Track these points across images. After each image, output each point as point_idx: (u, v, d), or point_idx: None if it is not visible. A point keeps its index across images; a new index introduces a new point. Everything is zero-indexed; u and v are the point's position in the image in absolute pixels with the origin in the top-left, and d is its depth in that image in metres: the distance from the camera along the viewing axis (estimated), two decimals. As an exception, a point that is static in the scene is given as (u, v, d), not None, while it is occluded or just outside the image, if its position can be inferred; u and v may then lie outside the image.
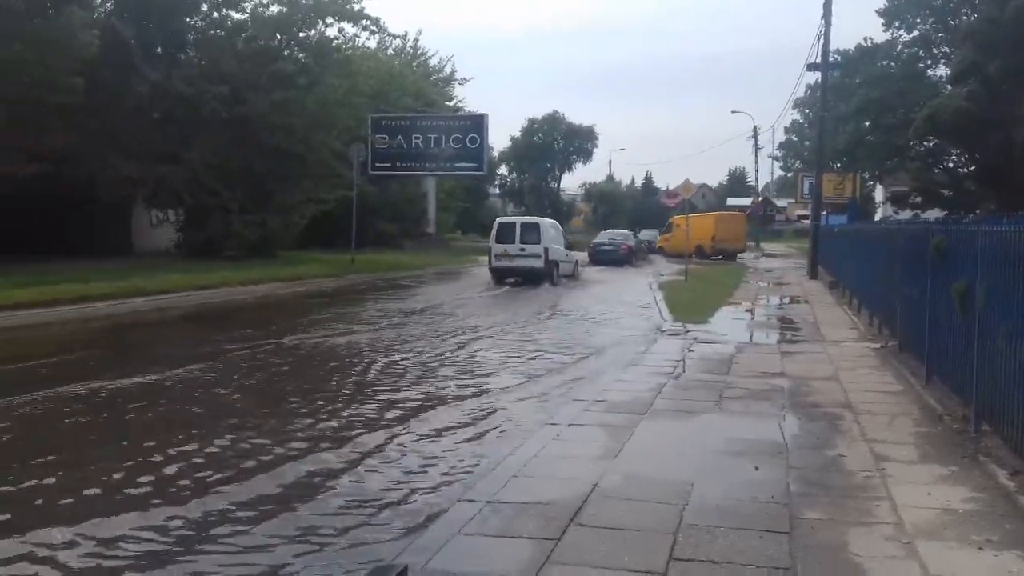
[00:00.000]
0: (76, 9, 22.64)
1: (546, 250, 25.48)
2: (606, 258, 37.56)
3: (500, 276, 25.84)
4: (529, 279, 24.95)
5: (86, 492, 5.73)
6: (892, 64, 36.88)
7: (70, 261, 21.33)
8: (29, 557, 4.65)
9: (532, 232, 25.85)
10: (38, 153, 22.10)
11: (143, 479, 6.00)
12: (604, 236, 42.23)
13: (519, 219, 28.41)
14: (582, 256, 34.21)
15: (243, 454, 6.65)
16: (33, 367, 10.43)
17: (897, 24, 36.43)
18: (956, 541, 4.67)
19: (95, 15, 25.45)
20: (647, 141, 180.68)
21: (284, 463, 6.41)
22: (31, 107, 21.51)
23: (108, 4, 27.95)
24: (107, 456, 6.56)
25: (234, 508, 5.43)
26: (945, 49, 34.91)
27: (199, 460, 6.47)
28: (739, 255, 45.15)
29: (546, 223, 27.59)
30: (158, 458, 6.49)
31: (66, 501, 5.54)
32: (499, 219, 29.23)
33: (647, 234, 52.47)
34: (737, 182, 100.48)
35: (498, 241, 26.12)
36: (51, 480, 5.98)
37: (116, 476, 6.07)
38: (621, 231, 45.17)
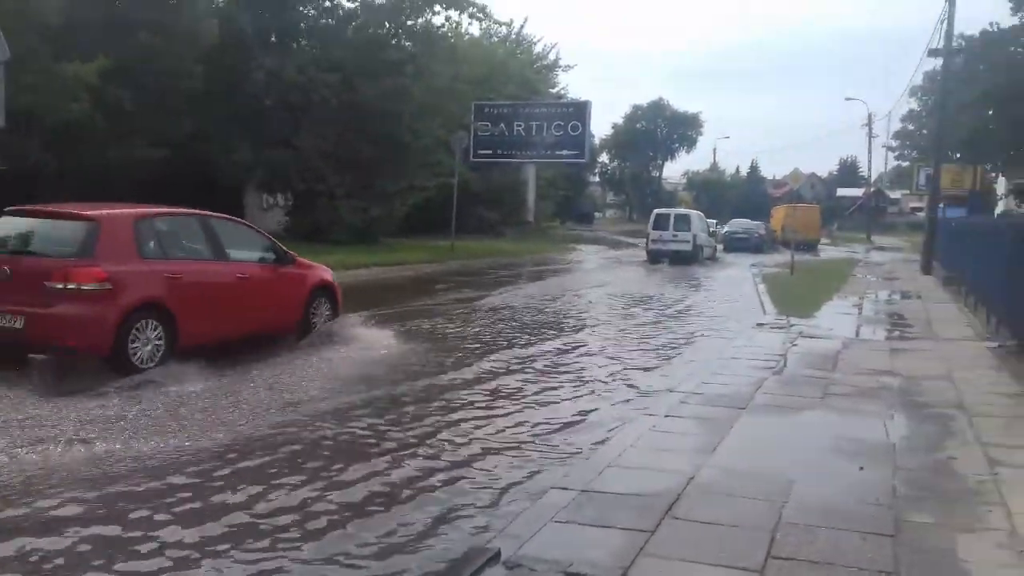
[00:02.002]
0: (199, -1, 23.66)
1: (694, 236, 30.66)
2: (740, 246, 41.01)
3: (655, 257, 30.83)
4: (679, 260, 29.63)
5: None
6: (1020, 51, 34.64)
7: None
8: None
9: (684, 222, 31.25)
10: (163, 138, 23.19)
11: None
12: (737, 225, 45.02)
13: (673, 211, 34.13)
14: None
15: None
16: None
17: (1027, 8, 34.07)
18: (1076, 554, 4.43)
19: (214, 4, 26.49)
20: (754, 129, 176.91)
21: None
22: (160, 94, 22.59)
23: (227, -6, 28.99)
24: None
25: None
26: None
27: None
28: (818, 245, 44.99)
29: (694, 214, 33.14)
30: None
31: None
32: (656, 210, 34.51)
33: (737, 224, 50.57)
34: (849, 172, 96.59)
35: (655, 228, 31.37)
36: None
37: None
38: (753, 221, 46.64)
